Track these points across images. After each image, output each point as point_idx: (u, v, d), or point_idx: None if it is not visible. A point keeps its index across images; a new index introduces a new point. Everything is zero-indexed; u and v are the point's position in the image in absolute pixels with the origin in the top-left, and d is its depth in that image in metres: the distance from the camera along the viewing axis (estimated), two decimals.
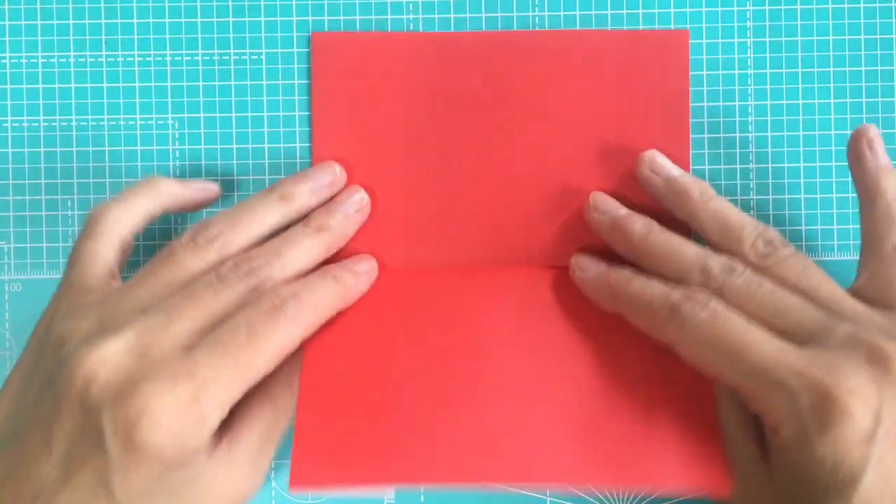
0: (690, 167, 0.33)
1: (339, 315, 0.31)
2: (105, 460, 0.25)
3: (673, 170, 0.32)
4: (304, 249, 0.31)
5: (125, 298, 0.28)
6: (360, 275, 0.32)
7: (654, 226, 0.31)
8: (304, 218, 0.32)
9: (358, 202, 0.33)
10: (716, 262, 0.29)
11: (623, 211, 0.32)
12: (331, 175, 0.33)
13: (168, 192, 0.32)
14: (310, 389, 0.31)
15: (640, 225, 0.31)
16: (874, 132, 0.31)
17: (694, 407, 0.30)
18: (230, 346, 0.27)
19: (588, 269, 0.32)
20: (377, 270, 0.33)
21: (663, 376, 0.31)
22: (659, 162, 0.32)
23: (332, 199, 0.33)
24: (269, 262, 0.30)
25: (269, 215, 0.31)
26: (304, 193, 0.32)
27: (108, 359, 0.26)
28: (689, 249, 0.30)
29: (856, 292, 0.29)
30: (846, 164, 0.34)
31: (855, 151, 0.31)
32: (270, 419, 0.30)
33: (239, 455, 0.29)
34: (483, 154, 0.33)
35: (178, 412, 0.26)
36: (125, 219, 0.31)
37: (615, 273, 0.31)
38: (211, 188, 0.33)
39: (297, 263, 0.31)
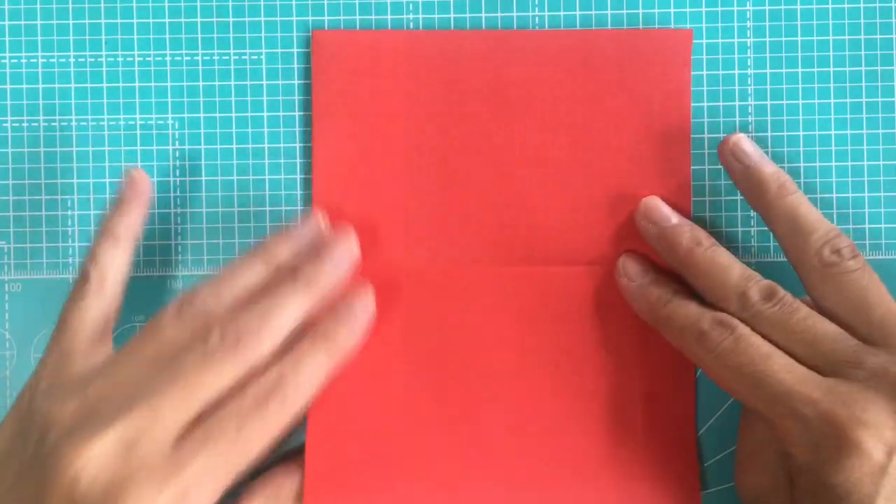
0: (691, 165, 0.33)
1: None
2: None
3: (754, 157, 0.31)
4: (293, 308, 0.30)
5: (111, 380, 0.28)
6: (355, 322, 0.31)
7: (703, 238, 0.31)
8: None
9: (347, 253, 0.32)
10: (756, 289, 0.29)
11: (674, 220, 0.32)
12: (315, 229, 0.32)
13: (138, 218, 0.32)
14: (317, 414, 0.32)
15: (686, 238, 0.31)
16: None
17: (675, 430, 0.32)
18: (220, 444, 0.27)
19: (633, 278, 0.32)
20: (374, 305, 0.32)
21: (647, 393, 0.32)
22: (743, 149, 0.32)
23: (321, 248, 0.32)
24: (259, 330, 0.29)
25: (252, 277, 0.31)
26: (285, 252, 0.31)
27: (94, 457, 0.26)
28: (733, 271, 0.30)
29: None
30: (846, 163, 0.34)
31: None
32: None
33: None
34: (483, 153, 0.33)
35: None
36: (120, 265, 0.31)
37: (656, 291, 0.31)
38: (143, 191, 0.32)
39: (287, 324, 0.30)
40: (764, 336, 0.28)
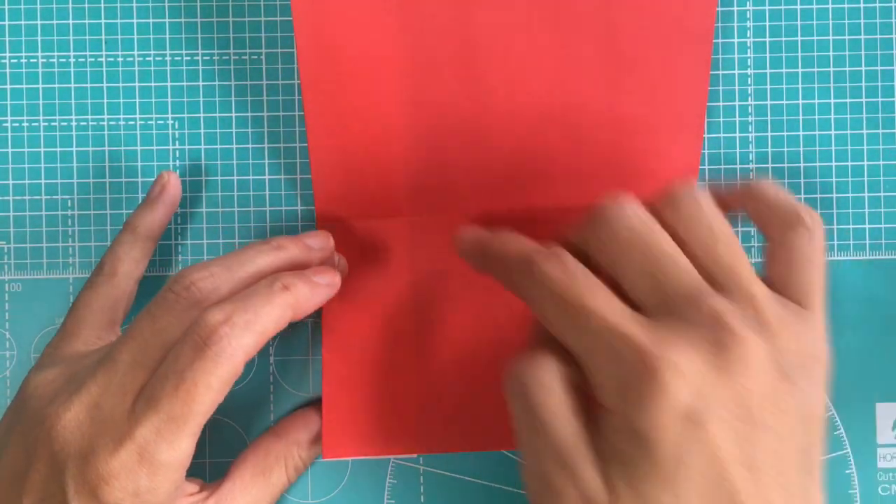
0: (706, 118, 0.33)
1: (353, 283, 0.32)
2: None
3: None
4: (259, 262, 0.29)
5: (96, 356, 0.28)
6: (317, 287, 0.29)
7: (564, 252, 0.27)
8: None
9: (330, 280, 0.30)
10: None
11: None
12: (322, 241, 0.31)
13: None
14: (332, 362, 0.33)
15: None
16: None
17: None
18: (161, 401, 0.26)
19: (465, 235, 0.30)
20: (338, 286, 0.30)
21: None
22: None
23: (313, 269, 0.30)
24: (216, 275, 0.28)
25: (260, 264, 0.29)
26: (295, 249, 0.30)
27: (69, 420, 0.26)
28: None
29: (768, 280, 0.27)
30: (846, 163, 0.34)
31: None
32: (261, 490, 0.30)
33: None
34: (486, 98, 0.33)
35: (130, 473, 0.26)
36: (134, 259, 0.32)
37: (487, 233, 0.29)
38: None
39: (248, 276, 0.29)
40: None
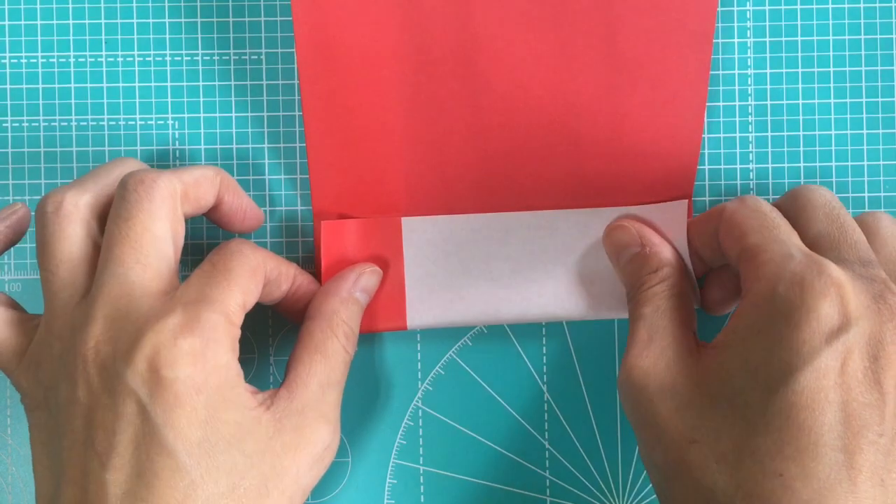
0: (706, 118, 0.33)
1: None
2: (146, 419, 0.26)
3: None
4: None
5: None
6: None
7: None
8: None
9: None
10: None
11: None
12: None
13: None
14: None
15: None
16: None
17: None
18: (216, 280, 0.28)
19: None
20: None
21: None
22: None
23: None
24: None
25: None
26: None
27: (100, 337, 0.27)
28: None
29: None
30: (846, 163, 0.34)
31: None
32: (323, 366, 0.30)
33: (300, 402, 0.28)
34: (485, 98, 0.33)
35: (186, 343, 0.26)
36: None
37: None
38: None
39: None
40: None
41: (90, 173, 0.31)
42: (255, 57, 0.34)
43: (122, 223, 0.28)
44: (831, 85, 0.34)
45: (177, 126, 0.34)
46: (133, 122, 0.34)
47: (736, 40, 0.34)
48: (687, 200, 0.33)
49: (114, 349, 0.26)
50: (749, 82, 0.34)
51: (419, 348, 0.34)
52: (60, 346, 0.28)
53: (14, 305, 0.31)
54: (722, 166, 0.34)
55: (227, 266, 0.28)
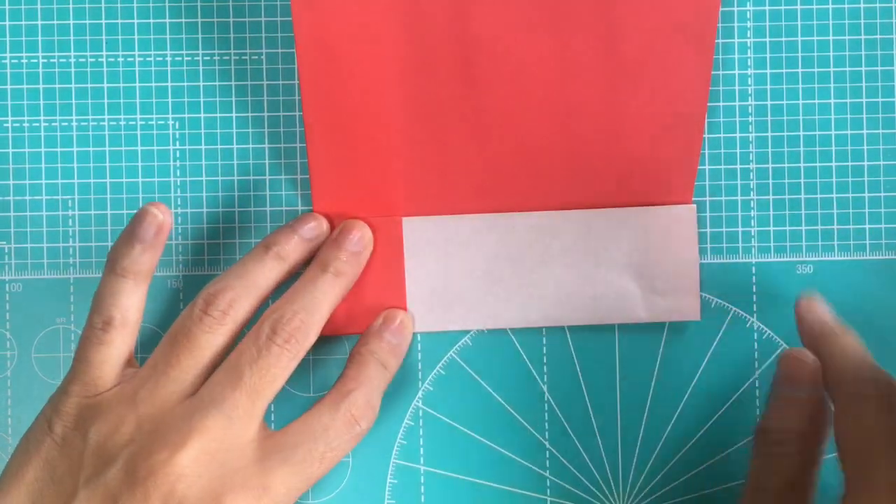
0: (706, 118, 0.33)
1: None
2: None
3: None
4: (332, 298, 0.32)
5: (160, 393, 0.29)
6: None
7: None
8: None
9: (365, 241, 0.33)
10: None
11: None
12: (316, 227, 0.33)
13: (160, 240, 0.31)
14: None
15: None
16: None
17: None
18: (305, 467, 0.29)
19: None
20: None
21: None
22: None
23: (342, 237, 0.33)
24: (305, 322, 0.30)
25: (268, 276, 0.31)
26: (297, 250, 0.32)
27: (186, 466, 0.27)
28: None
29: None
30: (846, 163, 0.34)
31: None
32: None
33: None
34: (485, 98, 0.32)
35: None
36: (139, 302, 0.31)
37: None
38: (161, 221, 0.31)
39: (328, 314, 0.31)
40: None
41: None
42: (255, 57, 0.34)
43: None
44: (831, 85, 0.34)
45: (177, 126, 0.34)
46: (133, 122, 0.34)
47: (736, 40, 0.34)
48: (695, 206, 0.33)
49: (187, 499, 0.27)
50: (749, 82, 0.34)
51: (419, 348, 0.34)
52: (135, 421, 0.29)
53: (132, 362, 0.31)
54: (722, 166, 0.34)
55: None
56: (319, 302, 0.31)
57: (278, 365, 0.29)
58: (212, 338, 0.30)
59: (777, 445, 0.30)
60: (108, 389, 0.29)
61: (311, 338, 0.31)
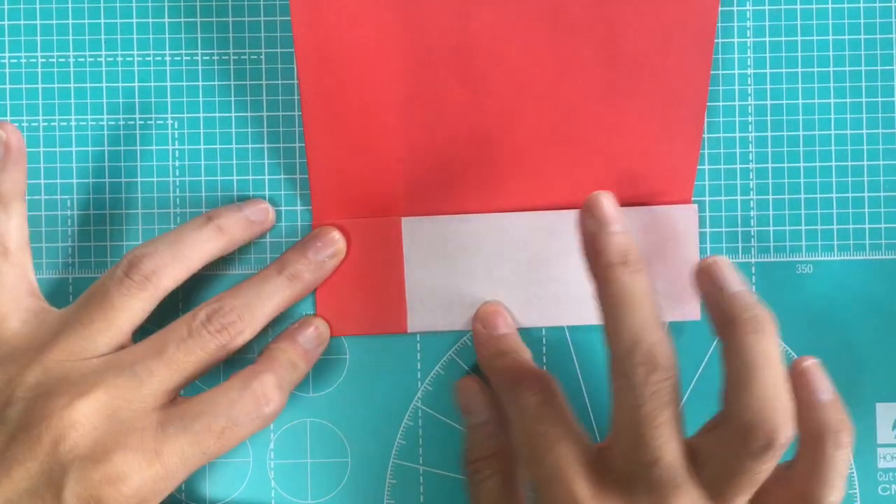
0: (706, 118, 0.33)
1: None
2: None
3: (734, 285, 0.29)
4: (278, 300, 0.31)
5: (70, 348, 0.28)
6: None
7: (631, 261, 0.28)
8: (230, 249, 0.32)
9: (332, 250, 0.33)
10: (644, 355, 0.27)
11: (616, 227, 0.28)
12: (263, 212, 0.33)
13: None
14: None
15: (613, 253, 0.28)
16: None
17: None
18: (203, 439, 0.28)
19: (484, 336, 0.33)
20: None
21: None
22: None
23: (308, 242, 0.33)
24: (242, 318, 0.30)
25: (203, 248, 0.31)
26: (238, 226, 0.32)
27: (83, 417, 0.27)
28: (634, 319, 0.27)
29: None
30: (846, 163, 0.34)
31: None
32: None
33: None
34: (484, 99, 0.32)
35: (144, 484, 0.27)
36: (16, 226, 0.31)
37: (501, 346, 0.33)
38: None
39: (268, 315, 0.31)
40: None
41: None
42: (255, 57, 0.34)
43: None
44: (831, 85, 0.34)
45: (177, 126, 0.34)
46: (133, 122, 0.34)
47: (736, 40, 0.34)
48: (695, 206, 0.33)
49: (77, 447, 0.27)
50: (749, 82, 0.34)
51: (419, 348, 0.34)
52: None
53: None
54: (722, 166, 0.34)
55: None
56: (263, 302, 0.31)
57: (205, 349, 0.29)
58: (129, 301, 0.29)
59: (476, 474, 0.31)
60: (16, 330, 0.29)
61: (246, 335, 0.30)
